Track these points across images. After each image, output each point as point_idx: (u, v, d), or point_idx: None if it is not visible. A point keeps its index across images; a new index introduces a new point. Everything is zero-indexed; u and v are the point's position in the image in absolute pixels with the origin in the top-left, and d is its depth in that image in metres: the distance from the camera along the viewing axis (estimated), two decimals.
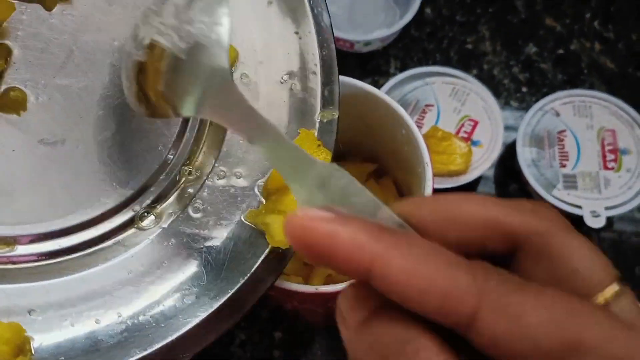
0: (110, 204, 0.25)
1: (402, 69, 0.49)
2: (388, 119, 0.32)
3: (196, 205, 0.25)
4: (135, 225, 0.25)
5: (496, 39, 0.51)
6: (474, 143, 0.43)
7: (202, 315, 0.23)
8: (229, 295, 0.24)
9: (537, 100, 0.44)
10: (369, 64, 0.50)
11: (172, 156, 0.26)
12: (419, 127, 0.44)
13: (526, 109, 0.45)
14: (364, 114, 0.34)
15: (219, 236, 0.25)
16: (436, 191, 0.43)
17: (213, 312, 0.23)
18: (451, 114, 0.44)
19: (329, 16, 0.28)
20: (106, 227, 0.25)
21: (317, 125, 0.26)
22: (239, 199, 0.26)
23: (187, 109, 0.22)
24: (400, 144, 0.33)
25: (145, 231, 0.25)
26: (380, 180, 0.38)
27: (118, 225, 0.25)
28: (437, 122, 0.44)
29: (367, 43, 0.48)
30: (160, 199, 0.26)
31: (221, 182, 0.26)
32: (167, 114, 0.23)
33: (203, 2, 0.23)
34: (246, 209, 0.25)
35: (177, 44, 0.22)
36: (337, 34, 0.47)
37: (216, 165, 0.26)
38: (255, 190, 0.26)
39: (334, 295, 0.28)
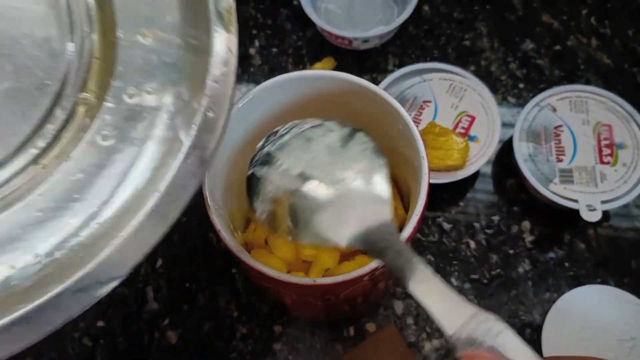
0: (3, 150, 0.24)
1: (400, 66, 0.49)
2: (385, 114, 0.33)
3: (102, 131, 0.24)
4: (38, 165, 0.24)
5: (493, 35, 0.51)
6: (471, 138, 0.43)
7: (123, 235, 0.22)
8: (147, 209, 0.23)
9: (534, 96, 0.45)
10: (367, 61, 0.50)
11: (63, 87, 0.25)
12: (417, 123, 0.44)
13: (523, 105, 0.45)
14: (361, 110, 0.35)
15: (130, 159, 0.24)
16: (433, 186, 0.44)
17: (134, 231, 0.22)
18: (449, 110, 0.44)
19: None
20: (6, 173, 0.24)
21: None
22: (145, 114, 0.25)
23: (343, 239, 0.25)
24: (397, 139, 0.34)
25: (49, 169, 0.24)
26: None
27: (19, 168, 0.24)
28: (434, 118, 0.44)
29: (365, 40, 0.48)
30: (60, 133, 0.24)
31: (129, 100, 0.25)
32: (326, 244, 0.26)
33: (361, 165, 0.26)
34: (158, 125, 0.25)
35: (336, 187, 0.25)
36: (335, 31, 0.47)
37: (116, 86, 0.25)
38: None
39: (331, 287, 0.29)
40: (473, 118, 0.44)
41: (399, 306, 0.41)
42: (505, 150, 0.46)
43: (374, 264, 0.28)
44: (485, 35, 0.51)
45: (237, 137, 0.34)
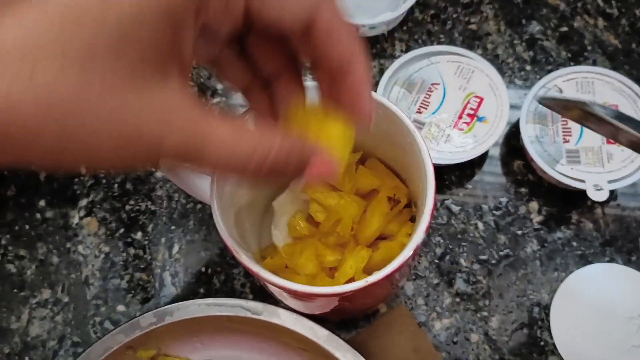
0: None
1: (407, 51, 0.49)
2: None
3: None
4: None
5: (500, 18, 0.51)
6: (480, 119, 0.44)
7: None
8: None
9: (541, 78, 0.45)
10: (375, 47, 0.51)
11: None
12: (426, 106, 0.45)
13: (530, 87, 0.46)
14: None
15: None
16: (440, 168, 0.45)
17: None
18: (457, 92, 0.45)
19: None
20: None
21: None
22: None
23: None
24: (377, 123, 0.33)
25: None
26: (367, 163, 0.38)
27: None
28: (443, 100, 0.45)
29: (372, 27, 0.49)
30: None
31: None
32: None
33: None
34: None
35: None
36: None
37: None
38: None
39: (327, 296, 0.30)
40: (481, 99, 0.45)
41: (409, 287, 0.42)
42: (513, 132, 0.47)
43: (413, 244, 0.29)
44: (491, 19, 0.51)
45: None
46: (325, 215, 0.36)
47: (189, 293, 0.43)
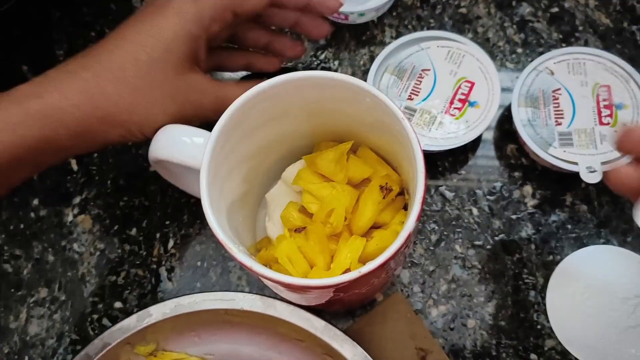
0: None
1: (397, 37, 0.49)
2: (349, 93, 0.33)
3: None
4: None
5: (489, 1, 0.51)
6: (471, 104, 0.43)
7: None
8: None
9: (532, 61, 0.45)
10: (364, 34, 0.50)
11: None
12: (417, 92, 0.44)
13: (522, 69, 0.45)
14: (324, 100, 0.34)
15: None
16: (434, 153, 0.44)
17: None
18: (448, 77, 0.45)
19: None
20: None
21: None
22: None
23: None
24: (366, 111, 0.34)
25: None
26: (358, 152, 0.38)
27: None
28: (434, 86, 0.45)
29: (362, 14, 0.48)
30: None
31: None
32: None
33: None
34: None
35: None
36: None
37: None
38: None
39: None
40: (472, 84, 0.44)
41: (405, 275, 0.42)
42: (505, 116, 0.47)
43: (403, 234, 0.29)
44: (481, 2, 0.51)
45: (234, 144, 0.34)
46: (318, 206, 0.36)
47: (185, 287, 0.43)
